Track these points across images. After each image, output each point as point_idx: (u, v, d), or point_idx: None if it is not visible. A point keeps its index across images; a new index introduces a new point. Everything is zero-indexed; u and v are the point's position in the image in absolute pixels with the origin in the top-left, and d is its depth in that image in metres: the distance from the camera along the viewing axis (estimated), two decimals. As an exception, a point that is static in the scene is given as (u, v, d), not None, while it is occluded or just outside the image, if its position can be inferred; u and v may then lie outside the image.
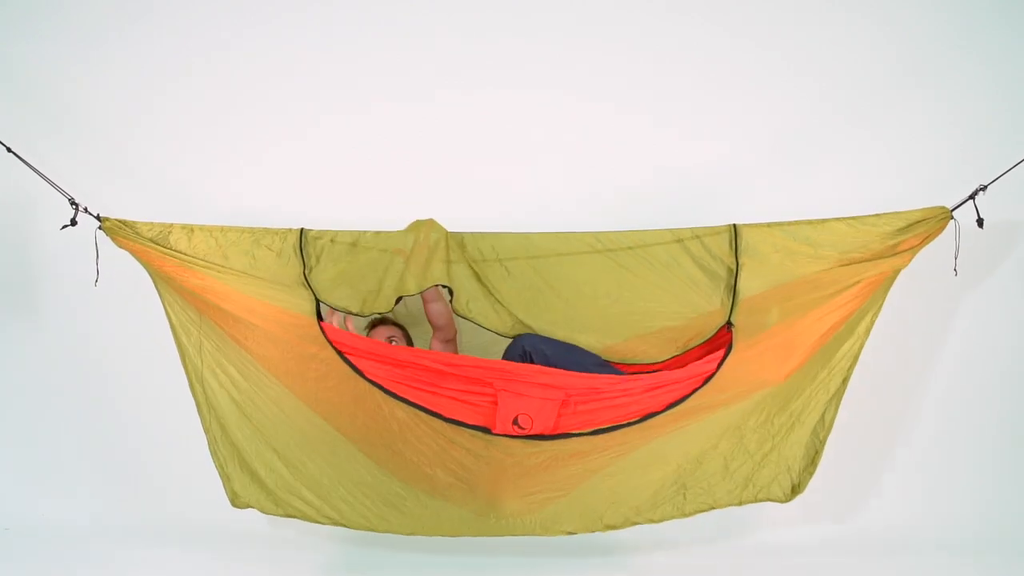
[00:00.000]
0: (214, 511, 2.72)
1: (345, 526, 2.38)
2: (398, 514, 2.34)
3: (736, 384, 2.19)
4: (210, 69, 2.75)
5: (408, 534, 2.39)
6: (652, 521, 2.38)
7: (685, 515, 2.37)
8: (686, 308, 2.26)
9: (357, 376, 2.12)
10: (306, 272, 2.21)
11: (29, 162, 2.13)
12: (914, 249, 2.13)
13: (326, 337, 2.14)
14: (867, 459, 2.84)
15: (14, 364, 2.95)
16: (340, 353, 2.13)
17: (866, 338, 2.27)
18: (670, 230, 2.24)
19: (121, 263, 2.21)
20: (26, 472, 2.98)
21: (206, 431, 2.34)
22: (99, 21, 2.73)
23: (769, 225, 2.21)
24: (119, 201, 2.36)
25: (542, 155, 2.71)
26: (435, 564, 2.69)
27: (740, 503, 2.38)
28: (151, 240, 2.16)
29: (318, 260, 2.22)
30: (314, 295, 2.20)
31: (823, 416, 2.33)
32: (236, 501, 2.39)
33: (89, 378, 2.94)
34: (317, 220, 2.28)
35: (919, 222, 2.12)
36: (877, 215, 2.15)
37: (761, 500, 2.38)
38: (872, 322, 2.25)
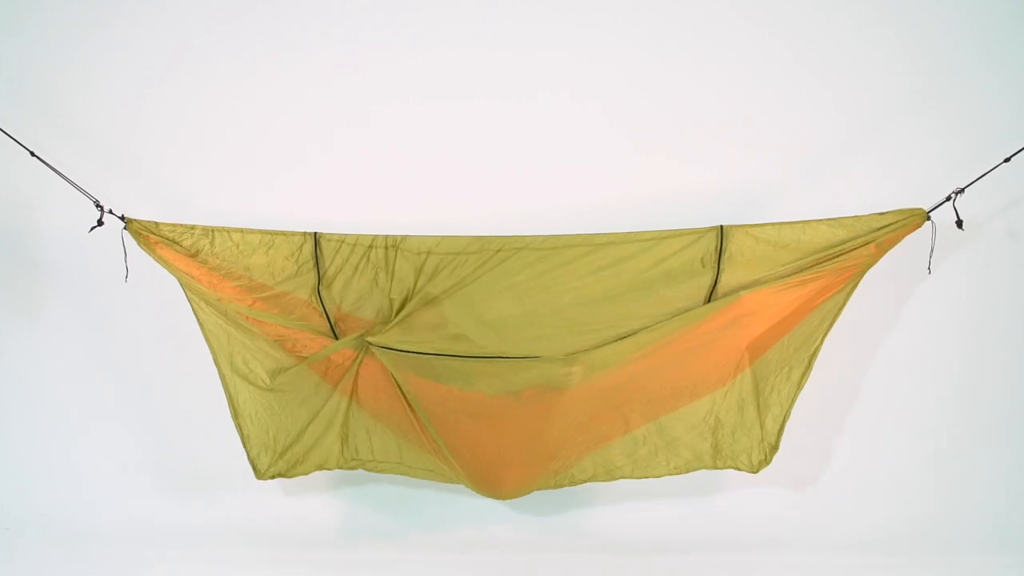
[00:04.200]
0: (216, 511, 2.86)
1: (364, 468, 2.57)
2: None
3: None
4: (223, 68, 2.71)
5: (420, 476, 2.57)
6: (625, 477, 2.51)
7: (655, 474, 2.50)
8: (666, 308, 2.32)
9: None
10: (320, 287, 2.35)
11: (51, 164, 2.23)
12: (885, 246, 2.20)
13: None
14: (868, 460, 2.86)
15: (15, 362, 2.92)
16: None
17: (829, 329, 2.33)
18: (654, 230, 2.30)
19: (134, 258, 2.30)
20: (26, 472, 2.95)
21: (237, 410, 2.45)
22: (110, 16, 2.68)
23: (754, 226, 2.28)
24: (129, 202, 2.39)
25: (549, 163, 2.73)
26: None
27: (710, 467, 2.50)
28: (172, 241, 2.27)
29: (336, 270, 2.36)
30: (324, 310, 2.38)
31: (785, 406, 2.42)
32: (263, 475, 2.52)
33: (91, 376, 2.92)
34: (333, 223, 2.37)
35: (896, 223, 2.19)
36: (856, 216, 2.22)
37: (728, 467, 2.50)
38: (838, 313, 2.30)
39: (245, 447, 2.50)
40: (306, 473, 2.54)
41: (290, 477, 2.55)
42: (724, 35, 2.65)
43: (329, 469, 2.57)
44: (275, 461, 2.52)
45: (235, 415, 2.48)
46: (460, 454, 2.40)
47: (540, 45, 2.68)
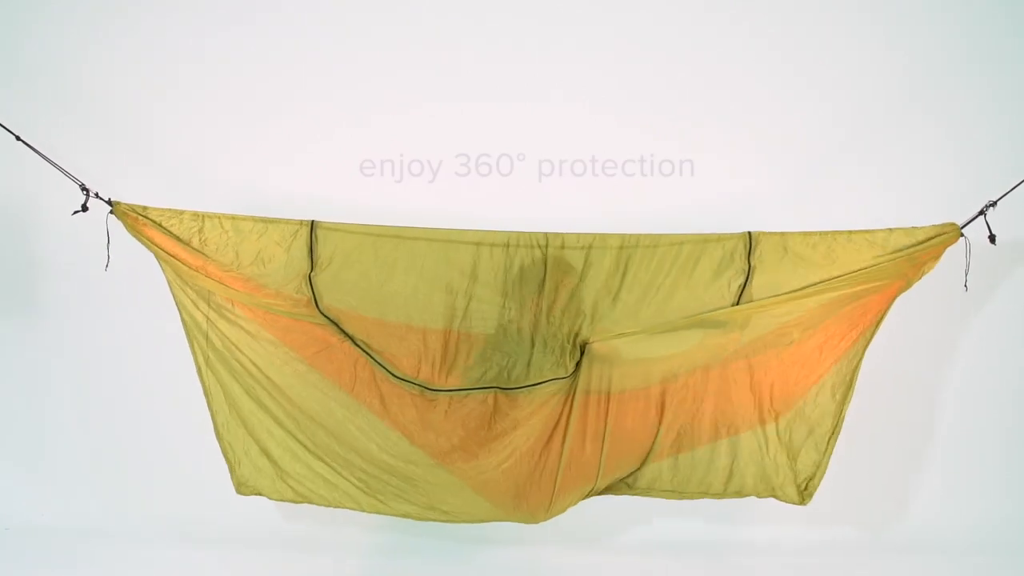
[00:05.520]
0: (217, 510, 2.79)
1: (356, 509, 2.38)
2: (414, 491, 2.35)
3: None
4: (222, 56, 2.69)
5: (420, 517, 2.38)
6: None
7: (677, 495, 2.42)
8: (700, 312, 2.28)
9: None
10: (312, 275, 2.22)
11: (38, 149, 2.10)
12: (925, 265, 2.17)
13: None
14: (879, 466, 2.89)
15: (13, 361, 2.90)
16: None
17: (865, 351, 2.29)
18: (686, 234, 2.27)
19: (127, 253, 2.19)
20: (26, 471, 2.94)
21: (214, 416, 2.32)
22: (106, 4, 2.67)
23: (782, 234, 2.25)
24: (126, 190, 2.29)
25: (563, 168, 2.73)
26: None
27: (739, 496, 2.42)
28: (161, 225, 2.15)
29: (329, 260, 2.23)
30: (315, 300, 2.24)
31: (833, 428, 2.35)
32: (241, 488, 2.37)
33: (89, 375, 2.89)
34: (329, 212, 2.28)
35: (929, 239, 2.17)
36: (888, 230, 2.20)
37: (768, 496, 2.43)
38: (872, 336, 2.27)
39: (224, 454, 2.36)
40: (292, 501, 2.37)
41: (271, 499, 2.39)
42: (732, 40, 2.66)
43: (314, 503, 2.38)
44: (252, 476, 2.36)
45: (212, 417, 2.33)
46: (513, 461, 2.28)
47: (544, 46, 2.69)
